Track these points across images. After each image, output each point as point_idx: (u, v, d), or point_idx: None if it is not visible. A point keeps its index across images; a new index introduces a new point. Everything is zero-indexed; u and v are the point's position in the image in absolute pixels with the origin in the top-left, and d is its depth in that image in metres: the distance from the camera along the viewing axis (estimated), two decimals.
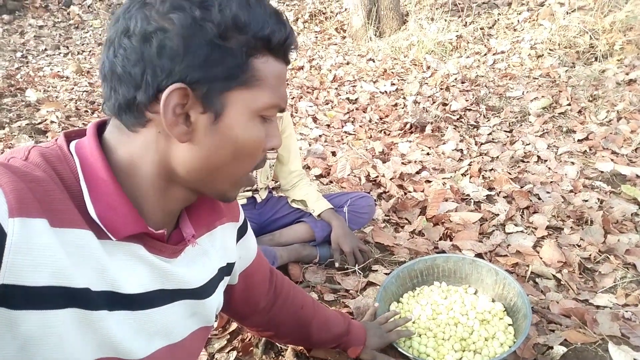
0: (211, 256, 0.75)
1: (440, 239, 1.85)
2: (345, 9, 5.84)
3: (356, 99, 3.59)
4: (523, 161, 2.51)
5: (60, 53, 5.64)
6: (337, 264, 1.66)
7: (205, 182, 0.62)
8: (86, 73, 4.55)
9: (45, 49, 5.67)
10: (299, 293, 1.11)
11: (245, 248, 0.91)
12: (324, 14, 5.92)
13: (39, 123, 2.94)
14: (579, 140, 2.69)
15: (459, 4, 5.27)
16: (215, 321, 0.84)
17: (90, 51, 5.49)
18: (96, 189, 0.56)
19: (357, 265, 1.64)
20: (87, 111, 3.44)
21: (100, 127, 0.62)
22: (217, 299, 0.79)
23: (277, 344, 1.29)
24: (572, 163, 2.43)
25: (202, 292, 0.73)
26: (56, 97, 3.77)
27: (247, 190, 1.71)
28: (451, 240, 1.84)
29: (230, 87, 0.56)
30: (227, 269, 0.83)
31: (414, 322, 1.34)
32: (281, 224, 1.73)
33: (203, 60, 0.54)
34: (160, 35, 0.53)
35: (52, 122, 2.95)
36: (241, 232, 0.89)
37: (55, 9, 6.50)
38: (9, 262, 0.47)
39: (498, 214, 1.98)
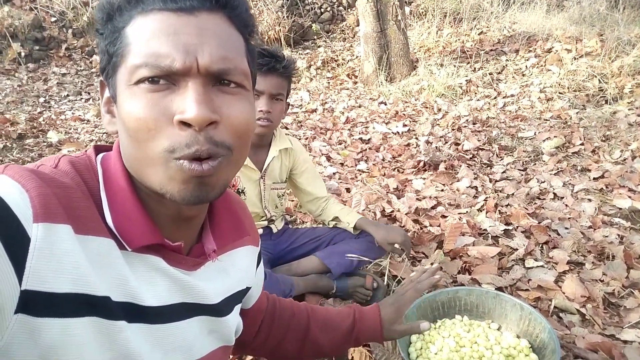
0: (231, 275, 0.74)
1: (459, 273, 1.81)
2: (357, 57, 6.03)
3: (369, 139, 3.64)
4: (539, 198, 2.49)
5: (81, 98, 5.83)
6: (404, 257, 1.73)
7: (140, 177, 0.56)
8: None
9: (67, 95, 5.86)
10: (286, 303, 1.02)
11: (260, 277, 0.89)
12: (335, 61, 6.11)
13: None
14: (594, 179, 2.67)
15: (467, 51, 5.42)
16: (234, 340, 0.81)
17: None
18: (114, 198, 0.57)
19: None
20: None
21: None
22: (235, 320, 0.77)
23: None
24: (589, 200, 2.41)
25: (221, 309, 0.71)
26: (77, 138, 3.87)
27: (263, 220, 1.71)
28: (470, 274, 1.80)
29: (115, 68, 0.55)
30: (244, 293, 0.81)
31: (436, 354, 1.30)
32: (297, 254, 1.72)
33: (100, 52, 0.57)
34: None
35: None
36: (259, 259, 0.88)
37: (79, 57, 6.76)
38: (32, 267, 0.46)
39: (517, 249, 1.95)
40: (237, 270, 0.76)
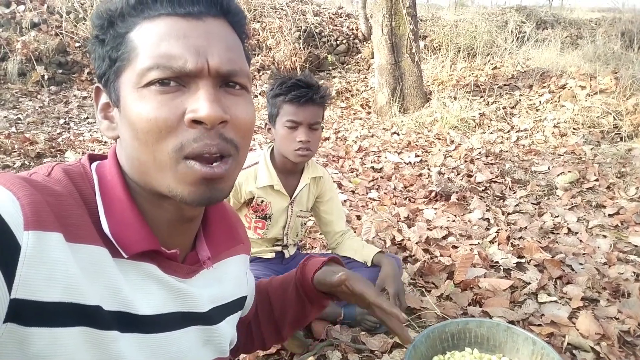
0: (224, 284, 0.74)
1: (469, 305, 1.77)
2: (371, 88, 6.10)
3: (381, 168, 3.64)
4: (553, 232, 2.45)
5: None
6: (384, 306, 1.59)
7: (146, 181, 0.57)
8: None
9: (87, 117, 5.99)
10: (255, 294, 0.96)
11: (251, 284, 0.89)
12: (350, 91, 6.20)
13: None
14: (609, 215, 2.63)
15: (481, 85, 5.46)
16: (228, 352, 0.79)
17: None
18: (111, 205, 0.57)
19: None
20: None
21: None
22: (228, 330, 0.76)
23: None
24: (604, 236, 2.36)
25: (210, 318, 0.70)
26: None
27: (277, 245, 1.70)
28: (481, 306, 1.76)
29: (118, 73, 0.56)
30: (240, 303, 0.80)
31: None
32: None
33: (98, 58, 0.58)
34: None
35: None
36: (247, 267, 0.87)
37: None
38: (22, 275, 0.46)
39: (529, 282, 1.91)
40: (230, 279, 0.75)
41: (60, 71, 6.86)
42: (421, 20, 8.16)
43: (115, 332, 0.54)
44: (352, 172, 3.58)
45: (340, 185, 3.22)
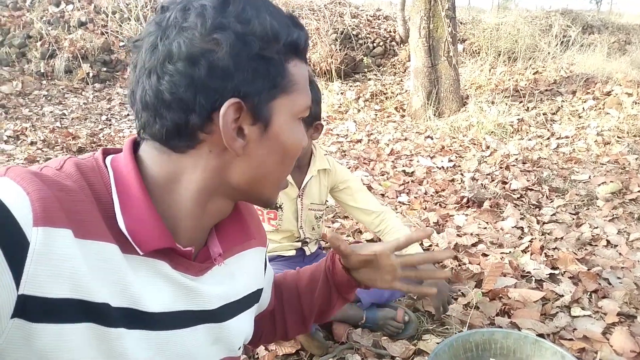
0: (237, 280, 0.72)
1: (497, 315, 1.71)
2: (406, 90, 6.03)
3: (412, 172, 3.59)
4: (590, 244, 2.34)
5: None
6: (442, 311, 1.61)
7: (253, 191, 0.64)
8: None
9: (128, 114, 6.19)
10: (277, 285, 0.96)
11: (269, 277, 0.88)
12: (384, 94, 6.14)
13: None
14: None
15: (521, 90, 5.30)
16: (242, 354, 0.79)
17: None
18: (127, 201, 0.56)
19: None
20: None
21: (135, 144, 0.62)
22: (240, 326, 0.74)
23: None
24: None
25: (220, 315, 0.69)
26: None
27: (297, 241, 1.70)
28: (509, 317, 1.70)
29: (275, 95, 0.58)
30: (255, 296, 0.79)
31: None
32: None
33: (251, 74, 0.54)
34: (209, 56, 0.52)
35: None
36: (266, 259, 0.86)
37: None
38: (30, 271, 0.46)
39: (562, 295, 1.83)
40: (244, 273, 0.74)
41: (105, 69, 7.11)
42: (461, 23, 8.00)
43: (122, 329, 0.54)
44: (382, 175, 3.55)
45: (370, 188, 3.18)
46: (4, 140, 4.52)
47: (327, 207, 1.78)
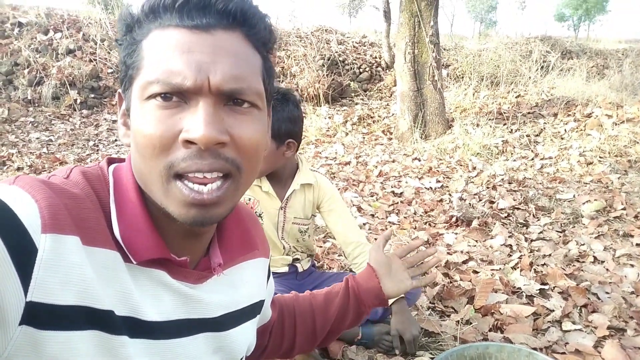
0: (238, 290, 0.72)
1: (490, 330, 1.72)
2: (393, 114, 6.14)
3: (401, 193, 3.62)
4: (578, 260, 2.38)
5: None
6: (397, 352, 1.56)
7: (147, 192, 0.56)
8: None
9: (116, 140, 6.17)
10: (289, 301, 0.99)
11: (271, 289, 0.89)
12: (371, 117, 6.24)
13: None
14: (637, 244, 2.54)
15: (504, 113, 5.43)
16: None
17: None
18: (123, 210, 0.56)
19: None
20: None
21: None
22: (242, 336, 0.74)
23: None
24: (632, 265, 2.27)
25: (221, 324, 0.68)
26: None
27: (287, 256, 1.70)
28: (502, 332, 1.71)
29: (131, 81, 0.55)
30: (258, 307, 0.79)
31: None
32: None
33: (120, 64, 0.58)
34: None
35: None
36: (269, 271, 0.87)
37: None
38: (38, 278, 0.46)
39: (553, 310, 1.84)
40: (245, 283, 0.74)
41: (92, 95, 7.12)
42: (444, 49, 8.23)
43: (125, 337, 0.54)
44: (372, 196, 3.57)
45: (359, 209, 3.21)
46: None
47: (314, 224, 1.77)
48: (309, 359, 1.46)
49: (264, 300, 0.82)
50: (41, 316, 0.46)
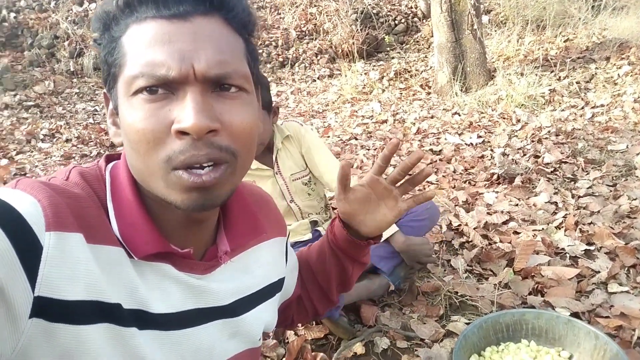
0: (254, 273, 0.73)
1: (530, 294, 1.67)
2: (431, 67, 5.89)
3: (440, 151, 3.52)
4: (629, 217, 2.25)
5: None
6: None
7: (146, 187, 0.57)
8: None
9: None
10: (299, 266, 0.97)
11: (292, 265, 0.89)
12: (409, 72, 6.02)
13: None
14: None
15: (551, 59, 5.09)
16: (261, 340, 0.79)
17: None
18: (120, 207, 0.57)
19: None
20: None
21: None
22: (259, 318, 0.75)
23: None
24: None
25: (234, 310, 0.69)
26: None
27: (304, 219, 1.71)
28: (542, 295, 1.66)
29: (115, 79, 0.55)
30: (277, 286, 0.80)
31: None
32: None
33: (101, 63, 0.57)
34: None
35: None
36: (287, 248, 0.86)
37: None
38: (44, 274, 0.47)
39: (599, 271, 1.77)
40: (260, 266, 0.74)
41: None
42: None
43: (134, 328, 0.56)
44: (409, 155, 3.49)
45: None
46: (41, 139, 4.68)
47: (310, 172, 1.74)
48: (337, 328, 1.47)
49: (283, 278, 0.83)
50: (51, 310, 0.48)
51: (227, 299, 0.68)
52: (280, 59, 6.97)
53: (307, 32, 7.31)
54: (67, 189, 0.54)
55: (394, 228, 1.56)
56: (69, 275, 0.49)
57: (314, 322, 1.53)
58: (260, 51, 7.03)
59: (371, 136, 4.01)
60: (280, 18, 7.64)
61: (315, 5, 7.60)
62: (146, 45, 0.51)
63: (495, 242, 2.04)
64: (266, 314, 0.77)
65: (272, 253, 0.78)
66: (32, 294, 0.47)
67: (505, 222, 2.23)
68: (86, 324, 0.51)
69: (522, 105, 4.33)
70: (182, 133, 0.50)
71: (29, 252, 0.47)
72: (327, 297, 0.95)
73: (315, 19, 7.35)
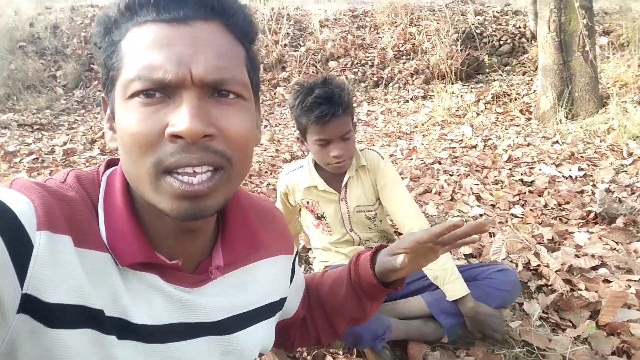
0: (251, 290, 0.70)
1: (613, 354, 1.44)
2: (534, 91, 5.50)
3: (532, 182, 3.23)
4: None
5: (262, 125, 6.48)
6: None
7: (139, 193, 0.55)
8: (277, 142, 5.02)
9: None
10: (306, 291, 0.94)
11: (298, 285, 0.85)
12: (508, 95, 5.67)
13: None
14: None
15: None
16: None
17: (285, 124, 6.15)
18: (110, 213, 0.57)
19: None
20: (267, 172, 3.80)
21: None
22: (253, 337, 0.71)
23: None
24: None
25: (224, 327, 0.66)
26: None
27: (359, 245, 1.64)
28: (628, 358, 1.42)
29: (113, 83, 0.54)
30: (276, 306, 0.76)
31: None
32: (407, 290, 1.55)
33: (100, 67, 0.57)
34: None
35: None
36: (294, 267, 0.83)
37: (265, 89, 7.57)
38: (33, 273, 0.48)
39: None
40: (258, 283, 0.71)
41: None
42: (605, 13, 7.08)
43: (113, 337, 0.55)
44: (496, 183, 3.26)
45: (478, 198, 2.95)
46: None
47: (377, 208, 1.65)
48: (379, 359, 1.39)
49: (285, 298, 0.79)
50: (35, 309, 0.49)
51: (217, 315, 0.65)
52: (375, 79, 6.96)
53: (404, 51, 7.24)
54: (60, 191, 0.55)
55: (464, 290, 1.43)
56: (55, 277, 0.50)
57: (355, 353, 1.46)
58: (355, 70, 7.09)
59: (456, 161, 3.81)
60: (379, 37, 7.65)
61: (415, 25, 7.51)
62: (144, 48, 0.51)
63: (579, 289, 1.80)
64: (262, 333, 0.74)
65: (275, 271, 0.76)
66: (21, 291, 0.48)
67: (594, 268, 1.97)
68: (68, 328, 0.51)
69: (637, 137, 3.85)
70: (176, 137, 0.50)
71: (20, 249, 0.48)
72: (332, 328, 0.91)
73: (414, 39, 7.26)
